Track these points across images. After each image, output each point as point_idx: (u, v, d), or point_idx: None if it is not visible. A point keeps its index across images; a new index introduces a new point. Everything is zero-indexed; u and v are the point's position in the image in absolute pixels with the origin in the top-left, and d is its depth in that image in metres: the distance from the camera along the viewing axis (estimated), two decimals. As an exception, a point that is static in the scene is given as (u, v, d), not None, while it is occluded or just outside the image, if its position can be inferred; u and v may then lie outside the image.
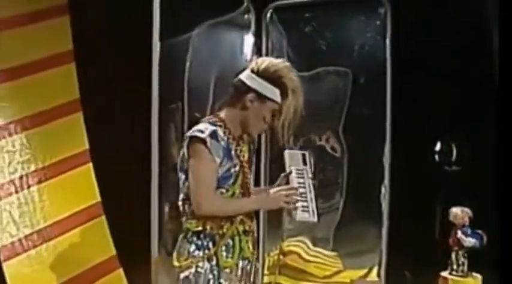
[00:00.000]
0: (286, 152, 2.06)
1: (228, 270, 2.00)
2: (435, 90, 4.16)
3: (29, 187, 3.12)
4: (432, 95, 4.12)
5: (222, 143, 1.96)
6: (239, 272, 2.02)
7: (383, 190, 3.48)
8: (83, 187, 3.34)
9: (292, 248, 3.52)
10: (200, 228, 1.98)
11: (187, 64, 3.55)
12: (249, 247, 2.03)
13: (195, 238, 1.99)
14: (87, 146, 3.39)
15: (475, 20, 3.97)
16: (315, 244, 3.55)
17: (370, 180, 3.52)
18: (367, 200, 3.52)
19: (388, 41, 3.33)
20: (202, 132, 1.94)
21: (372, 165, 3.58)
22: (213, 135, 1.95)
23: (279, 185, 2.06)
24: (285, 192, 1.98)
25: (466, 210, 2.35)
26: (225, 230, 1.99)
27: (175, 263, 2.01)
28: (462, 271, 2.36)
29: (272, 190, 2.00)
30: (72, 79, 3.44)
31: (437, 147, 4.37)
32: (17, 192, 3.08)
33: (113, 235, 3.39)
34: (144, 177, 3.14)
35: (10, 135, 3.12)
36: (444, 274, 2.40)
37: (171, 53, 3.18)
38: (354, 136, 3.65)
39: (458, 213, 2.35)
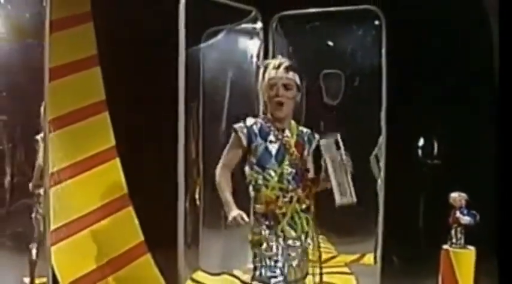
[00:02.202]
0: (321, 142, 2.37)
1: (291, 242, 2.37)
2: (426, 91, 4.56)
3: (65, 180, 3.35)
4: (423, 96, 4.53)
5: (254, 127, 2.39)
6: (302, 245, 2.39)
7: (379, 181, 3.77)
8: (111, 180, 3.61)
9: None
10: (264, 210, 2.36)
11: (202, 66, 3.84)
12: (308, 223, 2.38)
13: (263, 220, 2.36)
14: (113, 143, 3.66)
15: (475, 20, 4.20)
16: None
17: (366, 172, 3.83)
18: (363, 192, 3.93)
19: (383, 49, 3.67)
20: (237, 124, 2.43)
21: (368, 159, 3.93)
22: (243, 121, 2.42)
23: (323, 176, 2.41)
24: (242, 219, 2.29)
25: (463, 194, 2.78)
26: (285, 210, 2.35)
27: (250, 238, 2.39)
28: (460, 244, 2.78)
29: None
30: (98, 81, 3.68)
31: (420, 143, 4.81)
32: (55, 185, 3.29)
33: (142, 222, 3.66)
34: (170, 170, 3.41)
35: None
36: (445, 246, 2.82)
37: (189, 56, 3.43)
38: (352, 133, 4.11)
39: (456, 197, 2.79)
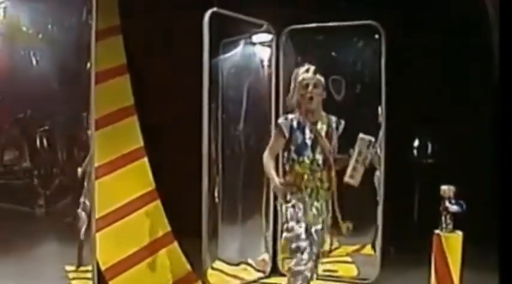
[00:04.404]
0: (360, 136, 2.99)
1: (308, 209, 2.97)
2: (425, 90, 4.73)
3: (100, 177, 3.54)
4: (421, 95, 4.72)
5: (293, 122, 2.98)
6: (315, 211, 3.00)
7: (377, 173, 4.11)
8: (141, 177, 3.94)
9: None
10: (292, 181, 2.98)
11: (221, 73, 4.21)
12: (325, 199, 3.01)
13: (289, 187, 2.98)
14: (142, 144, 3.99)
15: (475, 20, 4.34)
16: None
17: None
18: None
19: (382, 59, 4.06)
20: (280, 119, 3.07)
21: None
22: (285, 117, 3.03)
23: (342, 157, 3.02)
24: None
25: (451, 187, 3.18)
26: (308, 184, 2.96)
27: (280, 202, 3.04)
28: (449, 229, 3.17)
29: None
30: (127, 88, 4.00)
31: (416, 143, 5.21)
32: (92, 181, 3.70)
33: (169, 214, 3.99)
34: (194, 168, 3.80)
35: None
36: (437, 231, 3.21)
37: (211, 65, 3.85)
38: (354, 131, 4.45)
39: (446, 189, 3.18)
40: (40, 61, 3.29)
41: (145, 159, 4.01)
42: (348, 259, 4.38)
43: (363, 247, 4.41)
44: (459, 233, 3.16)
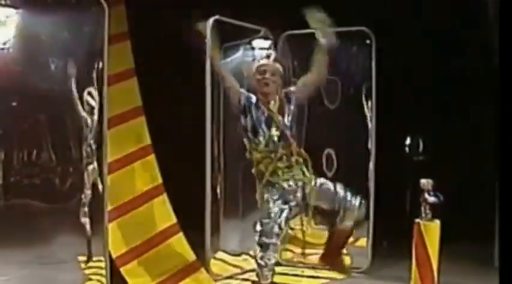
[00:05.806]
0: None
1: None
2: (422, 90, 4.90)
3: (111, 173, 3.73)
4: (417, 95, 4.89)
5: (252, 98, 3.16)
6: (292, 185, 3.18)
7: (370, 165, 4.35)
8: (149, 172, 4.17)
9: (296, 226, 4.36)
10: (255, 171, 3.18)
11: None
12: (293, 177, 3.18)
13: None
14: (149, 142, 4.22)
15: (475, 19, 4.45)
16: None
17: (358, 163, 4.42)
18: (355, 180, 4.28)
19: (373, 63, 4.30)
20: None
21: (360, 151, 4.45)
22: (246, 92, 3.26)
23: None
24: None
25: (430, 180, 3.46)
26: (268, 166, 3.15)
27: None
28: (428, 218, 3.46)
29: None
30: (135, 89, 4.24)
31: (408, 141, 5.47)
32: (103, 176, 3.94)
33: (174, 209, 4.23)
34: (198, 163, 4.03)
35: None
36: (417, 220, 3.50)
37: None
38: (346, 129, 4.52)
39: (425, 182, 3.47)
40: (57, 66, 3.58)
41: (153, 156, 4.24)
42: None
43: (357, 240, 4.57)
44: (437, 222, 3.46)
